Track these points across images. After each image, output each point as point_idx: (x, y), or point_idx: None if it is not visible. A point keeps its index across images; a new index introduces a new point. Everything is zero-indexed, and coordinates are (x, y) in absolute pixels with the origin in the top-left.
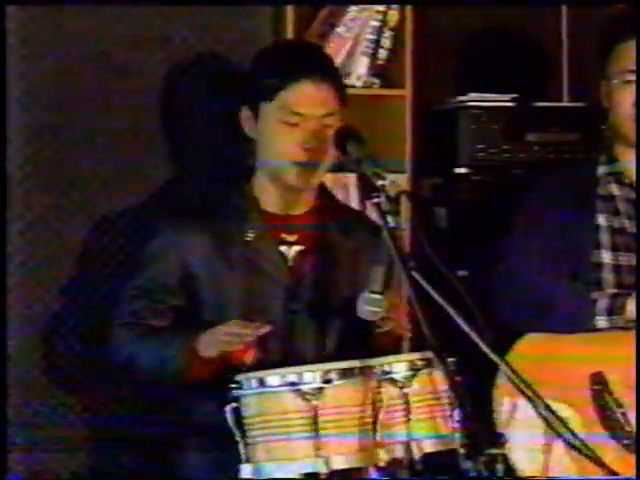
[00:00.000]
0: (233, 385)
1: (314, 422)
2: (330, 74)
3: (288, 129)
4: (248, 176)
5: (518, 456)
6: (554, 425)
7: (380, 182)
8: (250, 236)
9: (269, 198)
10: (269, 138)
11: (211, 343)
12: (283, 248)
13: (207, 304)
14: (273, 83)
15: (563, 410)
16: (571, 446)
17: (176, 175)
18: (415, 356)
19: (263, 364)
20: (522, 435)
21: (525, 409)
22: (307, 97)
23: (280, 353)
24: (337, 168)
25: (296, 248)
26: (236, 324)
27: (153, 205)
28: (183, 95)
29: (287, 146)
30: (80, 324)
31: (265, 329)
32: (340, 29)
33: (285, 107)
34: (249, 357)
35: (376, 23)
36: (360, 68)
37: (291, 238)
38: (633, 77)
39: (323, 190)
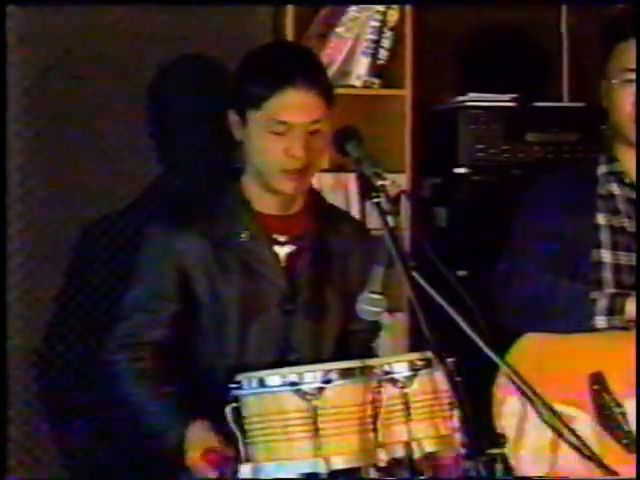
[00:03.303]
0: (233, 385)
1: (314, 422)
2: (316, 80)
3: (275, 138)
4: (237, 177)
5: (526, 456)
6: (554, 425)
7: (380, 182)
8: (243, 237)
9: (259, 199)
10: (257, 146)
11: (193, 455)
12: (276, 248)
13: (205, 306)
14: (259, 92)
15: (570, 410)
16: (571, 446)
17: (176, 175)
18: (415, 356)
19: (261, 364)
20: (532, 433)
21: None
22: (293, 106)
23: (276, 353)
24: (337, 168)
25: (289, 247)
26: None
27: (154, 204)
28: (184, 96)
29: (275, 155)
30: (80, 324)
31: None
32: (340, 29)
33: (271, 117)
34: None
35: (376, 23)
36: (360, 68)
37: (283, 238)
38: (633, 76)
39: (311, 190)
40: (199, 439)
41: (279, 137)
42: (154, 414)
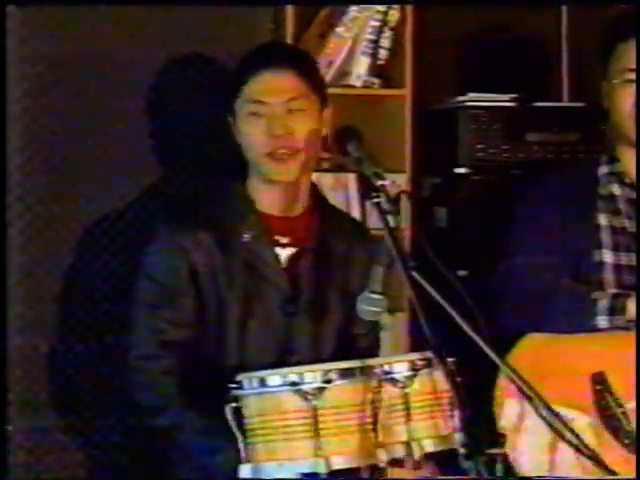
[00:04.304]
0: (233, 385)
1: (314, 422)
2: (292, 62)
3: (255, 120)
4: (243, 178)
5: (524, 458)
6: (555, 425)
7: (380, 182)
8: (246, 237)
9: (264, 200)
10: (242, 133)
11: None
12: (278, 250)
13: (209, 305)
14: (238, 79)
15: (568, 412)
16: (572, 446)
17: (176, 175)
18: (415, 356)
19: (261, 366)
20: (529, 436)
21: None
22: (267, 85)
23: (277, 355)
24: (337, 168)
25: (291, 250)
26: None
27: (154, 205)
28: (183, 95)
29: (256, 137)
30: (80, 324)
31: None
32: (340, 29)
33: (249, 99)
34: None
35: (376, 23)
36: (360, 68)
37: (286, 240)
38: (633, 76)
39: (316, 192)
40: None
41: (259, 120)
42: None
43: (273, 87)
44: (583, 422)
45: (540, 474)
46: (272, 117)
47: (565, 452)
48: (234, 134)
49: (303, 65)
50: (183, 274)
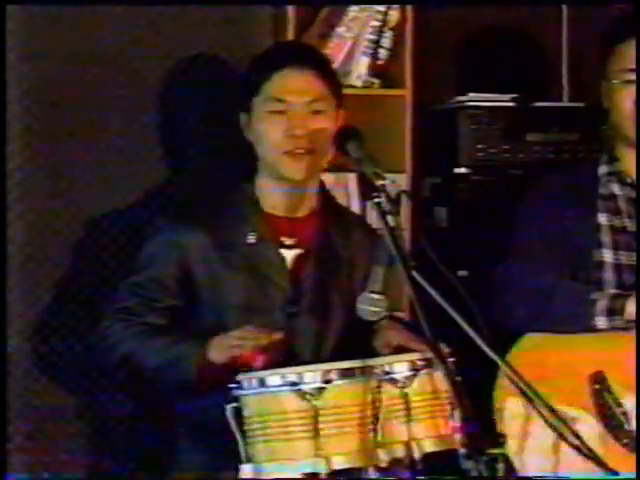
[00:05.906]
0: (233, 385)
1: (314, 422)
2: (315, 62)
3: (275, 119)
4: (250, 178)
5: (532, 461)
6: (554, 425)
7: (380, 182)
8: (251, 238)
9: (271, 200)
10: (260, 131)
11: (221, 347)
12: (283, 251)
13: (206, 305)
14: (259, 77)
15: (572, 411)
16: (571, 446)
17: (177, 175)
18: (415, 356)
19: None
20: (535, 439)
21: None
22: (290, 84)
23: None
24: (337, 168)
25: (296, 251)
26: (249, 329)
27: (154, 205)
28: (184, 95)
29: (275, 135)
30: (79, 324)
31: (278, 335)
32: (340, 29)
33: (270, 97)
34: (258, 363)
35: (376, 23)
36: (360, 68)
37: (291, 241)
38: (633, 77)
39: (324, 193)
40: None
41: (279, 119)
42: (160, 348)
43: (297, 86)
44: (587, 421)
45: (545, 470)
46: (294, 116)
47: (568, 450)
48: (245, 132)
49: (324, 66)
50: (168, 269)
